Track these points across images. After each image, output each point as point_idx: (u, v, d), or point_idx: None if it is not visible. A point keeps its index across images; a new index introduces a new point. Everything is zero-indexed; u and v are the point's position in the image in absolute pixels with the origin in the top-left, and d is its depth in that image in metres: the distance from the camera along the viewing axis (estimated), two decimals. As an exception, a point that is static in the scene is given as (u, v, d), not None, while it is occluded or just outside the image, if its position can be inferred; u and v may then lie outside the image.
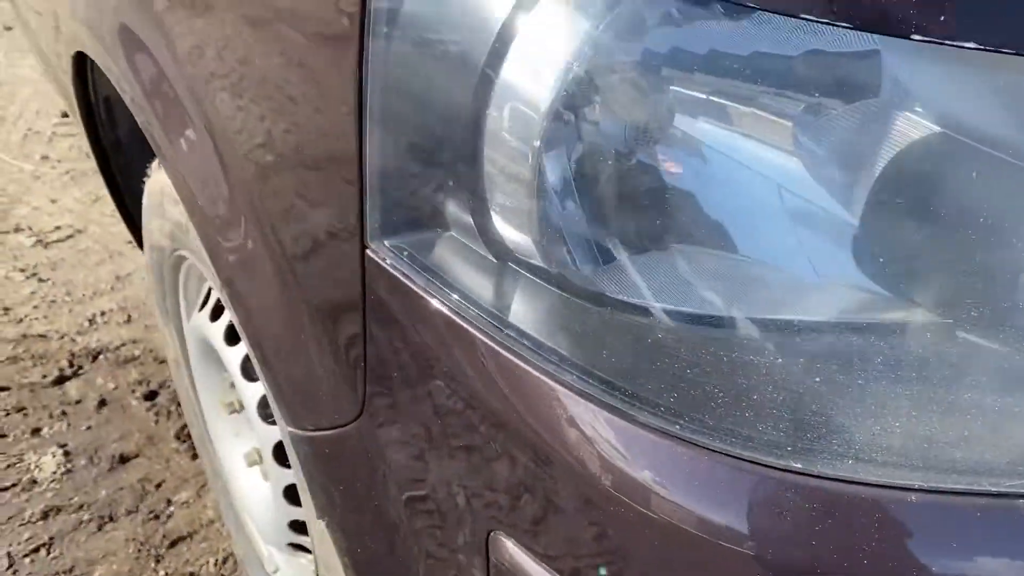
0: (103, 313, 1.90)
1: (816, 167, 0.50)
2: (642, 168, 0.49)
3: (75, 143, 2.45)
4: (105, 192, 2.19)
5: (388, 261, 0.56)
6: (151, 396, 1.72)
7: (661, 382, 0.47)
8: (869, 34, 0.45)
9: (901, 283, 0.52)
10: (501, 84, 0.46)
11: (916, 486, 0.44)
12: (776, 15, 0.43)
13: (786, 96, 0.48)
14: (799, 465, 0.45)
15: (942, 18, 0.39)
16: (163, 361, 1.80)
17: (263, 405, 1.06)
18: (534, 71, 0.45)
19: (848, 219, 0.50)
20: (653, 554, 0.49)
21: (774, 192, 0.50)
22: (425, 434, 0.60)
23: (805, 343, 0.51)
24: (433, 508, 0.62)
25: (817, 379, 0.48)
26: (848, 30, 0.43)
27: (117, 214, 2.10)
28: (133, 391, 1.73)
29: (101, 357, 1.80)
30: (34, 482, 1.54)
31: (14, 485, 1.53)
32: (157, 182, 1.10)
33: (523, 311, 0.52)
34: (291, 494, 1.09)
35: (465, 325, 0.53)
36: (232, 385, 1.20)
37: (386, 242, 0.56)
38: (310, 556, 1.23)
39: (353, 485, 0.69)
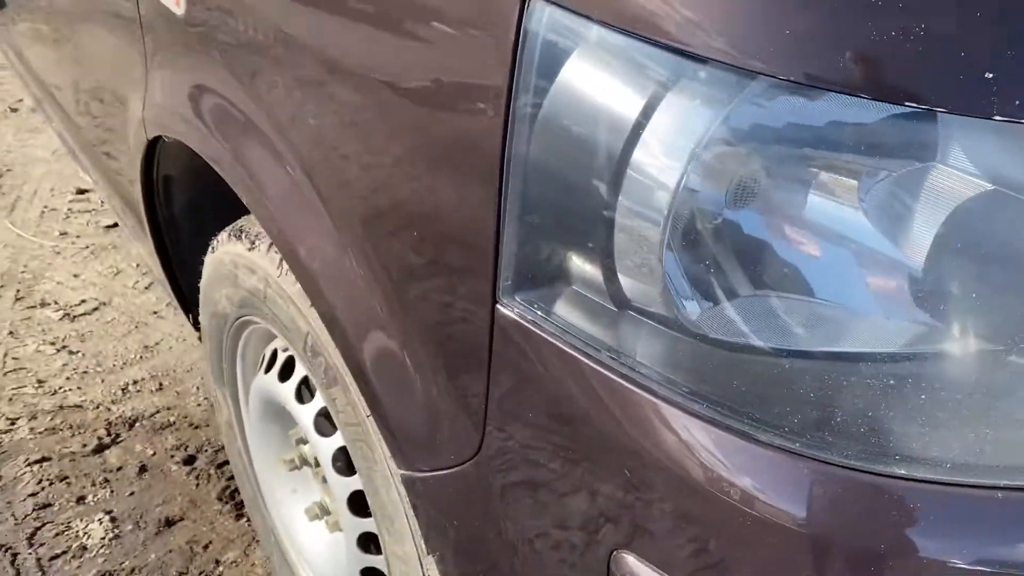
0: (135, 382, 1.96)
1: (883, 222, 0.60)
2: (745, 229, 0.58)
3: (91, 219, 2.53)
4: (125, 265, 2.28)
5: (517, 313, 0.65)
6: (190, 460, 1.77)
7: (784, 406, 0.56)
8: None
9: (958, 317, 0.61)
10: (634, 166, 0.56)
11: (1002, 484, 0.53)
12: (862, 99, 0.53)
13: (859, 162, 0.58)
14: (902, 471, 0.54)
15: (1016, 103, 0.50)
16: (198, 426, 1.86)
17: (337, 458, 1.13)
18: (664, 155, 0.55)
19: (911, 265, 0.60)
20: (774, 557, 0.58)
21: (848, 245, 0.60)
22: (545, 466, 0.69)
23: (883, 368, 0.60)
24: (554, 532, 0.70)
25: (903, 397, 0.58)
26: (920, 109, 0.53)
27: (139, 286, 2.18)
28: (172, 456, 1.78)
29: (137, 424, 1.85)
30: (84, 549, 1.58)
31: (65, 552, 1.57)
32: (228, 253, 1.18)
33: (645, 350, 0.61)
34: (364, 542, 1.15)
35: (594, 365, 0.61)
36: (298, 442, 1.27)
37: (516, 297, 0.65)
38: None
39: (469, 518, 0.76)
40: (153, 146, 1.25)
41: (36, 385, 1.93)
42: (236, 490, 1.70)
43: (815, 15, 0.53)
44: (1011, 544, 0.57)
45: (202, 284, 1.33)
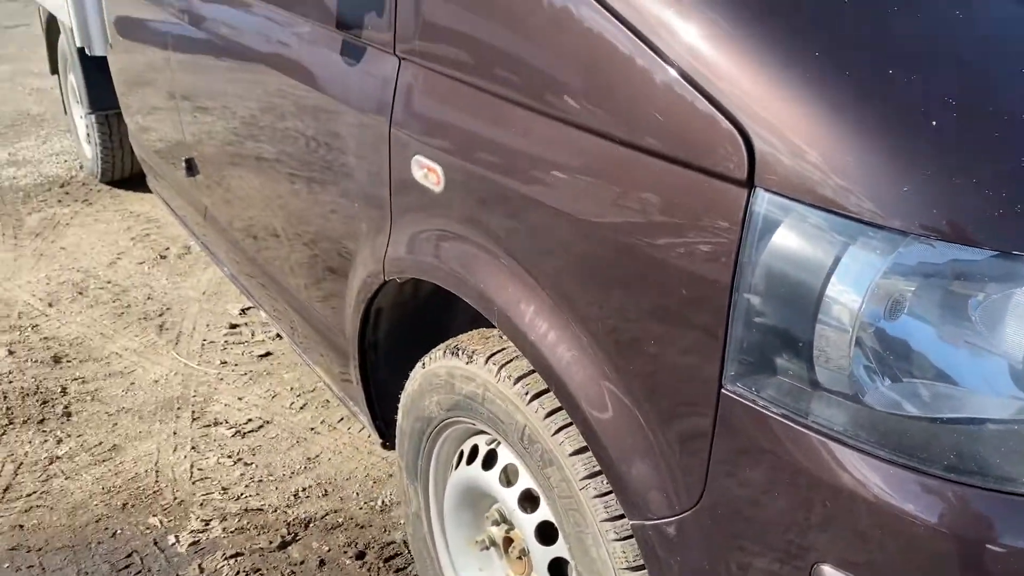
0: (303, 489, 2.25)
1: (990, 328, 0.89)
2: (899, 335, 0.88)
3: (245, 349, 2.89)
4: (280, 389, 2.61)
5: (738, 394, 0.95)
6: (360, 556, 2.04)
7: (934, 451, 0.85)
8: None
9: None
10: (828, 296, 0.87)
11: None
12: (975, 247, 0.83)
13: (970, 287, 0.87)
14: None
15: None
16: (363, 526, 2.13)
17: (540, 530, 1.40)
18: (848, 293, 0.86)
19: (1011, 357, 0.88)
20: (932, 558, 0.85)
21: (965, 343, 0.89)
22: (756, 506, 0.96)
23: (999, 426, 0.88)
24: (765, 554, 0.97)
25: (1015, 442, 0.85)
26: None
27: (294, 407, 2.51)
28: (344, 552, 2.05)
29: (311, 525, 2.13)
30: (283, 629, 1.83)
31: (267, 632, 1.83)
32: (444, 366, 1.50)
33: (835, 416, 0.90)
34: (560, 603, 1.40)
35: (799, 427, 0.91)
36: (492, 524, 1.53)
37: (738, 383, 0.95)
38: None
39: (693, 555, 1.03)
40: (379, 290, 1.59)
41: (221, 492, 2.23)
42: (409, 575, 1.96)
43: (943, 195, 0.84)
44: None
45: (408, 394, 1.64)
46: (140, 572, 1.98)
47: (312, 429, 2.49)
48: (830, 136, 0.87)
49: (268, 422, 2.52)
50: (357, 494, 2.24)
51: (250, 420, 2.52)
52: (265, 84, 1.87)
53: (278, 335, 2.95)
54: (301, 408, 2.58)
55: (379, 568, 2.00)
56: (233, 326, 3.02)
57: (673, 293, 1.00)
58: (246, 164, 2.13)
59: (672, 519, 1.06)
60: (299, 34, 1.72)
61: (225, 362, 2.81)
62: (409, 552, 2.02)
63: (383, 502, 2.21)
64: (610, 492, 1.20)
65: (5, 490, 2.23)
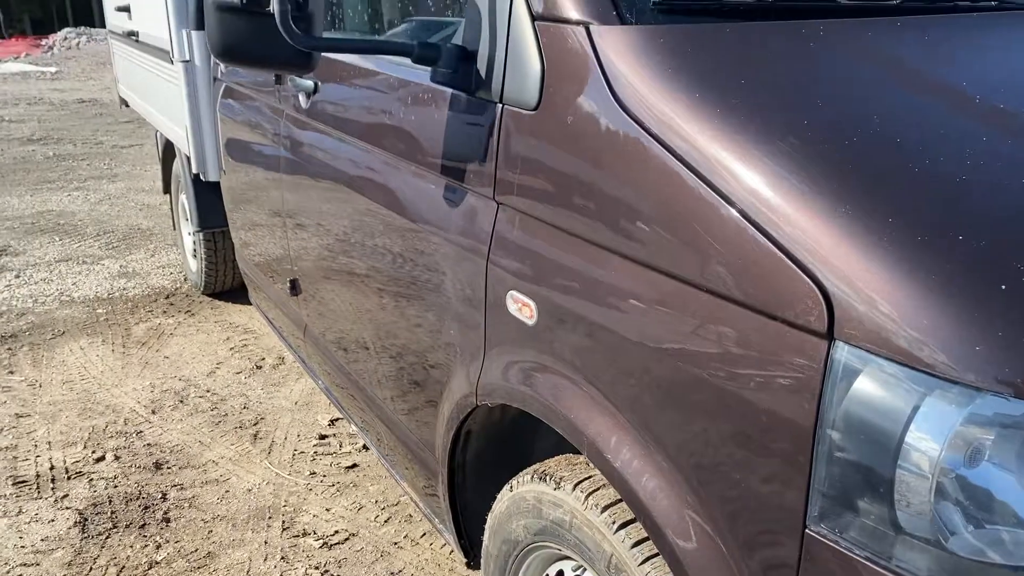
0: (387, 604, 2.30)
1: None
2: (977, 481, 0.92)
3: (333, 460, 2.99)
4: (366, 501, 2.69)
5: (821, 535, 0.99)
6: (441, 675, 2.06)
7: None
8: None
9: None
10: (907, 445, 0.92)
11: None
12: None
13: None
14: None
15: None
16: (444, 645, 2.15)
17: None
18: (927, 440, 0.91)
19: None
20: None
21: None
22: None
23: None
24: None
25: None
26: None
27: (379, 520, 2.57)
28: (426, 671, 2.07)
29: (394, 641, 2.16)
30: None
31: None
32: (532, 491, 1.56)
33: (918, 562, 0.93)
34: None
35: (882, 571, 0.94)
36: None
37: (821, 524, 0.99)
38: None
39: None
40: (473, 409, 1.68)
41: (308, 603, 2.29)
42: None
43: (1014, 355, 0.89)
44: None
45: (495, 515, 1.71)
46: None
47: (396, 544, 2.55)
48: (907, 294, 0.93)
49: (354, 535, 2.59)
50: (439, 611, 2.27)
51: (337, 532, 2.60)
52: (372, 215, 2.03)
53: (364, 447, 3.06)
54: (385, 522, 2.65)
55: None
56: (322, 437, 3.14)
57: (756, 427, 1.06)
58: (349, 286, 2.28)
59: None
60: (407, 175, 1.88)
61: (314, 472, 2.91)
62: (489, 674, 2.04)
63: (464, 621, 2.24)
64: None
65: (107, 593, 2.35)
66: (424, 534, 2.58)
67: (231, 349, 3.96)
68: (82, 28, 28.21)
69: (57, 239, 5.74)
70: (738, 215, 1.07)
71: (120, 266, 5.16)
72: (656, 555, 1.30)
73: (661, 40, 1.27)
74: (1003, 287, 0.91)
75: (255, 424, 3.26)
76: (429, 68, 1.60)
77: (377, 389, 2.25)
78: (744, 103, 1.16)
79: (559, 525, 1.50)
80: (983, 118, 1.19)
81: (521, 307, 1.47)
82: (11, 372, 3.73)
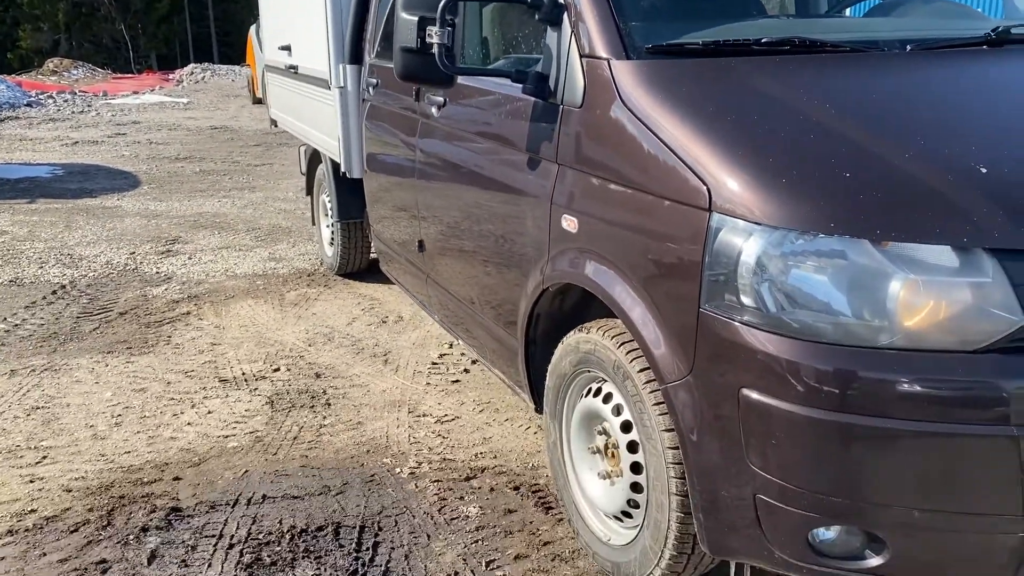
0: (480, 453, 3.36)
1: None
2: (778, 280, 1.94)
3: (443, 377, 4.08)
4: (467, 399, 3.76)
5: (708, 311, 2.01)
6: (516, 488, 3.10)
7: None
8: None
9: None
10: (741, 262, 1.93)
11: None
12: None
13: (809, 259, 1.92)
14: None
15: None
16: (519, 474, 3.19)
17: (623, 426, 2.44)
18: (750, 259, 1.93)
19: None
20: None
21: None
22: (721, 370, 2.00)
23: None
24: (722, 396, 1.99)
25: None
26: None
27: (475, 409, 3.63)
28: (507, 485, 3.12)
29: (485, 471, 3.22)
30: (467, 517, 2.91)
31: (455, 518, 2.91)
32: (575, 339, 2.60)
33: (754, 318, 1.95)
34: (633, 468, 2.42)
35: (738, 324, 1.97)
36: (600, 432, 2.58)
37: (707, 305, 2.01)
38: (628, 522, 2.51)
39: (689, 406, 2.07)
40: (539, 297, 2.74)
41: (428, 450, 3.37)
42: (545, 502, 3.00)
43: (797, 209, 1.90)
44: None
45: (553, 362, 2.75)
46: (379, 484, 3.13)
47: (487, 423, 3.61)
48: (746, 185, 1.95)
49: (458, 417, 3.67)
50: (516, 459, 3.32)
51: (446, 415, 3.68)
52: (479, 186, 3.12)
53: (466, 370, 4.14)
54: (480, 411, 3.72)
55: (528, 495, 3.06)
56: (434, 363, 4.24)
57: (679, 268, 2.08)
58: (460, 238, 3.38)
59: (679, 381, 2.09)
60: (503, 156, 2.97)
61: (429, 383, 4.01)
62: (548, 489, 3.07)
63: (533, 465, 3.28)
64: (657, 389, 2.24)
65: (295, 439, 3.48)
66: (508, 419, 3.64)
67: (362, 310, 5.12)
68: (205, 64, 30.78)
69: (216, 232, 7.07)
70: (674, 156, 2.11)
71: (269, 253, 6.42)
72: (639, 357, 2.32)
73: (649, 70, 2.33)
74: (793, 173, 1.92)
75: (384, 355, 4.38)
76: (521, 84, 2.69)
77: (482, 311, 3.32)
78: (695, 104, 2.20)
79: (589, 354, 2.53)
80: (847, 119, 2.19)
81: (569, 223, 2.53)
82: (200, 319, 4.98)
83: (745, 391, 1.94)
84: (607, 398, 2.53)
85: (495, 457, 3.33)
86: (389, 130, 4.14)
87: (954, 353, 1.80)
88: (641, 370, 2.29)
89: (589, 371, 2.59)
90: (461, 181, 3.31)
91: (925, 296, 1.82)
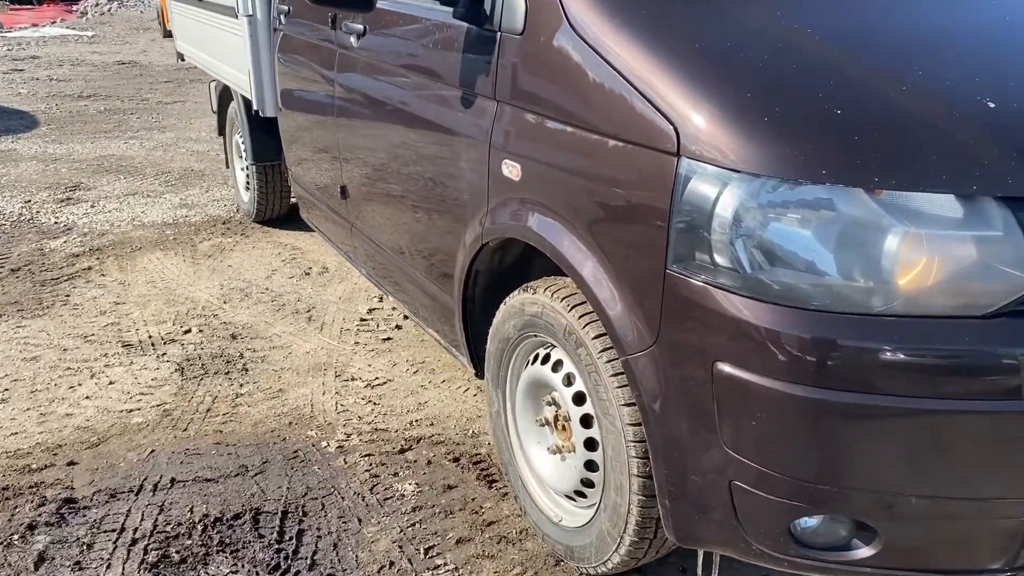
0: (416, 420, 3.07)
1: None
2: (761, 239, 1.66)
3: (373, 335, 3.76)
4: (399, 360, 3.45)
5: (677, 271, 1.73)
6: (456, 460, 2.83)
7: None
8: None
9: None
10: (715, 216, 1.65)
11: None
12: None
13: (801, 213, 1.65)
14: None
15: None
16: (458, 443, 2.93)
17: (575, 398, 2.18)
18: (725, 213, 1.64)
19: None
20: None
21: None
22: (690, 339, 1.74)
23: None
24: (695, 369, 1.73)
25: None
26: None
27: (410, 371, 3.33)
28: (445, 457, 2.85)
29: (422, 441, 2.94)
30: (402, 496, 2.64)
31: (391, 498, 2.63)
32: (519, 300, 2.31)
33: (730, 281, 1.68)
34: (588, 444, 2.17)
35: (712, 288, 1.69)
36: (549, 403, 2.31)
37: (675, 266, 1.73)
38: (583, 501, 2.27)
39: (655, 377, 1.80)
40: (478, 253, 2.43)
41: (358, 419, 3.07)
42: (488, 474, 2.74)
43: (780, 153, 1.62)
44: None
45: (494, 325, 2.46)
46: (303, 461, 2.82)
47: (422, 386, 3.32)
48: (720, 126, 1.67)
49: (390, 380, 3.36)
50: (455, 426, 3.05)
51: (377, 378, 3.37)
52: (406, 125, 2.77)
53: (397, 326, 3.83)
54: (414, 373, 3.42)
55: (469, 467, 2.79)
56: (363, 319, 3.92)
57: (641, 224, 1.80)
58: (387, 185, 3.03)
59: (643, 352, 1.83)
60: (433, 91, 2.62)
61: (358, 342, 3.69)
62: (491, 459, 2.81)
63: (473, 431, 3.01)
64: (615, 358, 1.98)
65: (208, 411, 3.13)
66: (444, 380, 3.36)
67: (282, 261, 4.74)
68: (111, -6, 28.92)
69: (122, 177, 6.52)
70: (633, 90, 1.80)
71: (180, 199, 5.93)
72: (595, 321, 2.04)
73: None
74: (776, 110, 1.64)
75: (308, 311, 4.03)
76: (452, 8, 2.33)
77: (413, 263, 3.00)
78: (657, 28, 1.89)
79: (535, 316, 2.25)
80: (803, 43, 1.91)
81: (511, 170, 2.21)
82: (103, 275, 4.53)
83: (719, 364, 1.68)
84: (556, 366, 2.26)
85: (432, 424, 3.05)
86: (304, 63, 3.73)
87: (959, 319, 1.57)
88: (596, 336, 2.01)
89: (536, 336, 2.31)
90: (386, 120, 2.95)
91: (926, 253, 1.57)
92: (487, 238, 2.37)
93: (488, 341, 2.52)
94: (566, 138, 2.00)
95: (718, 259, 1.67)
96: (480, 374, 2.72)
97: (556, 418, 2.31)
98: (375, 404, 3.18)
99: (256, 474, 2.76)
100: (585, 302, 2.06)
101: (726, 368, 1.68)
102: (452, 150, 2.51)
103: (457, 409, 3.16)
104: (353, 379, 3.37)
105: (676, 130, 1.71)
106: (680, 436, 1.80)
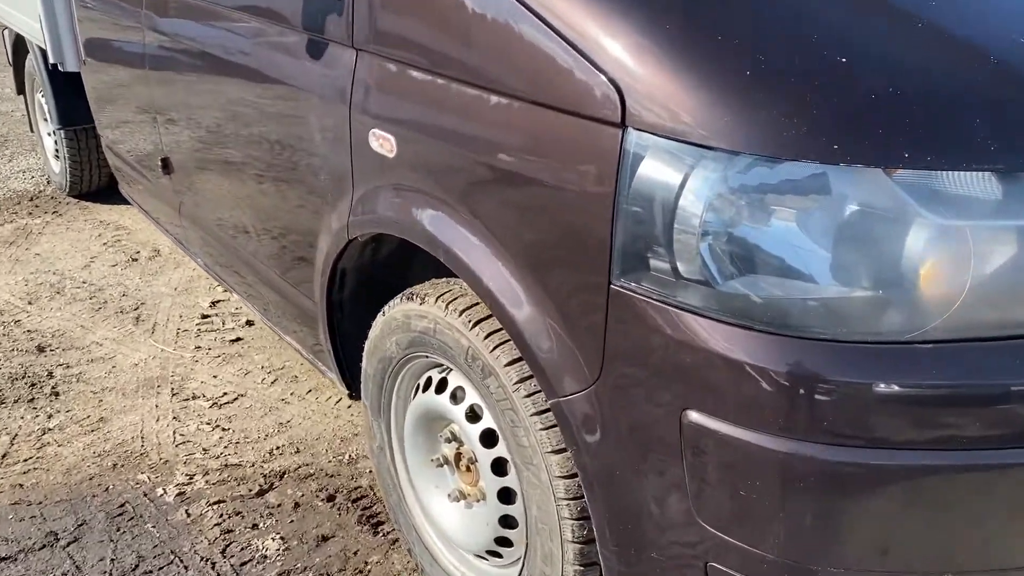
0: (277, 448, 2.50)
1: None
2: (742, 237, 1.19)
3: (217, 336, 3.13)
4: (252, 367, 2.87)
5: (624, 287, 1.25)
6: (331, 498, 2.30)
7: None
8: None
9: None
10: (680, 209, 1.17)
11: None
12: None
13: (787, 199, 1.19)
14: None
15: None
16: (332, 476, 2.39)
17: (484, 437, 1.68)
18: (694, 205, 1.17)
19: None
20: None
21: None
22: (644, 376, 1.26)
23: None
24: (647, 415, 1.27)
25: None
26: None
27: (266, 382, 2.77)
28: (317, 495, 2.31)
29: (286, 476, 2.38)
30: (265, 557, 2.09)
31: (251, 560, 2.08)
32: (401, 311, 1.78)
33: (697, 298, 1.21)
34: (503, 496, 1.68)
35: (673, 309, 1.21)
36: (446, 441, 1.81)
37: (623, 279, 1.25)
38: (498, 561, 1.80)
39: (595, 423, 1.33)
40: (344, 249, 1.87)
41: (203, 452, 2.47)
42: (372, 515, 2.22)
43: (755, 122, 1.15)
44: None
45: (371, 340, 1.92)
46: (133, 518, 2.22)
47: (283, 400, 2.75)
48: (680, 85, 1.18)
49: (242, 395, 2.77)
50: (326, 450, 2.50)
51: (225, 394, 2.77)
52: (239, 81, 2.15)
53: (248, 322, 3.21)
54: (272, 383, 2.84)
55: (347, 507, 2.27)
56: (205, 316, 3.27)
57: (573, 221, 1.30)
58: (221, 156, 2.40)
59: (579, 393, 1.35)
60: (269, 37, 2.01)
61: (199, 347, 3.05)
62: (374, 493, 2.29)
63: (350, 456, 2.48)
64: (537, 392, 1.50)
65: (3, 456, 2.45)
66: (310, 390, 2.79)
67: (104, 244, 3.98)
68: None
69: (-99, 148, 5.45)
70: (555, 35, 1.29)
71: (-25, 172, 4.98)
72: (506, 341, 1.55)
73: None
74: (762, 65, 1.16)
75: (136, 309, 3.34)
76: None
77: (260, 256, 2.40)
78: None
79: (425, 334, 1.73)
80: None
81: (382, 142, 1.66)
82: None
83: (689, 413, 1.23)
84: (457, 395, 1.75)
85: (297, 452, 2.49)
86: (109, 4, 2.98)
87: (1012, 341, 1.16)
88: (510, 363, 1.52)
89: (427, 356, 1.79)
90: (209, 73, 2.31)
91: (958, 251, 1.16)
92: (355, 232, 1.81)
93: (364, 359, 1.98)
94: (462, 101, 1.46)
95: (682, 268, 1.21)
96: (355, 395, 2.19)
97: (458, 456, 1.82)
98: (224, 430, 2.59)
99: (69, 543, 2.13)
100: (491, 316, 1.56)
101: (698, 418, 1.22)
102: (299, 115, 1.92)
103: (328, 427, 2.61)
104: (195, 397, 2.75)
105: (619, 91, 1.22)
106: (634, 502, 1.34)
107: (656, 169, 1.20)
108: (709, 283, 1.20)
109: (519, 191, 1.38)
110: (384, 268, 2.00)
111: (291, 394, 2.78)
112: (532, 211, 1.37)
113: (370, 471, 2.40)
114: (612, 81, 1.22)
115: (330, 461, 2.46)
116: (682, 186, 1.18)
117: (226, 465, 2.42)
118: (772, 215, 1.16)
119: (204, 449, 2.49)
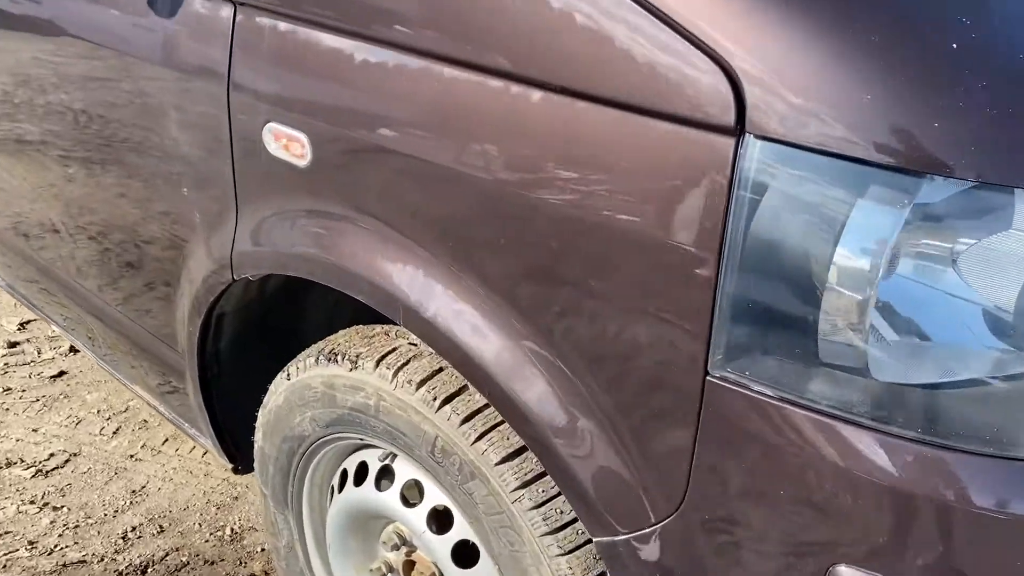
0: (133, 528, 1.91)
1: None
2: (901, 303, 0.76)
3: (32, 371, 2.44)
4: (84, 413, 2.26)
5: (728, 380, 0.80)
6: (215, 598, 1.75)
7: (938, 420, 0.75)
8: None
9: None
10: (839, 257, 0.74)
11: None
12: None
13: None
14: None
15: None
16: (213, 562, 1.84)
17: (456, 551, 1.21)
18: (864, 250, 0.73)
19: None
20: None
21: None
22: (755, 511, 0.83)
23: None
24: (764, 563, 0.84)
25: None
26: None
27: (105, 432, 2.17)
28: (196, 597, 1.75)
29: (150, 570, 1.81)
30: None
31: None
32: (319, 376, 1.26)
33: (839, 394, 0.78)
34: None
35: (807, 412, 0.78)
36: (395, 547, 1.32)
37: (727, 368, 0.80)
38: None
39: (672, 567, 0.89)
40: (224, 291, 1.32)
41: (28, 547, 1.84)
42: (275, 619, 1.70)
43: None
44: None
45: (269, 411, 1.38)
46: (-68, 666, 1.59)
47: (132, 456, 2.13)
48: (830, 74, 0.73)
49: (76, 454, 2.13)
50: (199, 525, 1.93)
51: (52, 455, 2.12)
52: (49, 47, 1.51)
53: (72, 349, 2.52)
54: (114, 433, 2.21)
55: (241, 610, 1.73)
56: (12, 344, 2.55)
57: (640, 268, 0.84)
58: (20, 151, 1.74)
59: (649, 530, 0.90)
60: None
61: (9, 388, 2.36)
62: (274, 584, 1.77)
63: (232, 530, 1.92)
64: (548, 501, 1.04)
65: None
66: (167, 440, 2.19)
67: None
68: None
69: None
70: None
71: None
72: (491, 430, 1.08)
73: None
74: (953, 46, 0.73)
75: (-86, 339, 2.57)
76: None
77: (80, 278, 1.77)
78: None
79: (361, 412, 1.22)
80: None
81: (287, 143, 1.11)
82: None
83: (840, 570, 0.81)
84: (408, 495, 1.26)
85: (161, 531, 1.91)
86: None
87: None
88: (504, 460, 1.05)
89: (358, 439, 1.28)
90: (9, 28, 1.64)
91: None
92: (244, 272, 1.26)
93: (259, 434, 1.44)
94: (421, 78, 0.95)
95: (826, 350, 0.78)
96: (240, 469, 1.64)
97: (409, 567, 1.33)
98: (56, 509, 1.96)
99: None
100: (467, 391, 1.08)
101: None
102: (147, 101, 1.33)
103: (197, 490, 2.03)
104: (9, 464, 2.08)
105: (736, 80, 0.75)
106: None
107: (798, 196, 0.75)
108: (866, 370, 0.77)
109: (541, 229, 0.89)
110: (275, 305, 1.46)
111: (142, 446, 2.16)
112: (569, 265, 0.88)
113: (262, 549, 1.86)
114: (721, 65, 0.75)
115: (207, 540, 1.89)
116: (845, 222, 0.74)
117: (64, 565, 1.81)
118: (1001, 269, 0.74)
119: (30, 542, 1.86)
